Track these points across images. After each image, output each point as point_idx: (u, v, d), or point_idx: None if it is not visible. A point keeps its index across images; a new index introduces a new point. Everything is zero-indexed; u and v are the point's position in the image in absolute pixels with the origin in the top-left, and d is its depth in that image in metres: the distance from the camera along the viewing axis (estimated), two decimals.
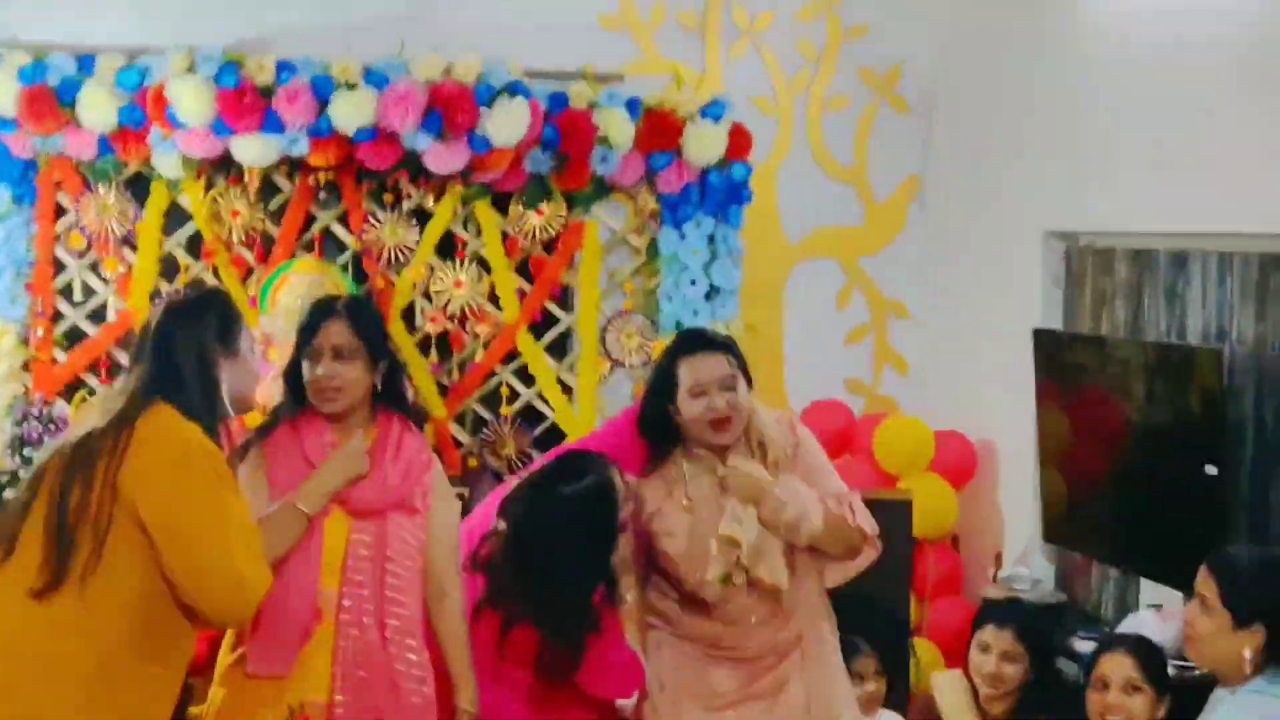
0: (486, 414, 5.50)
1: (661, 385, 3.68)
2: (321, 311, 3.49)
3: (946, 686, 4.44)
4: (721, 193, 5.52)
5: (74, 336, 5.34)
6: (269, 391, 4.13)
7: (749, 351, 5.39)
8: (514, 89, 5.20)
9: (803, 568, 3.68)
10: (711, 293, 5.55)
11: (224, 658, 3.39)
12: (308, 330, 3.44)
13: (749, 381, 3.69)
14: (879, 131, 5.97)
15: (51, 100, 5.04)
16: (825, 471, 3.76)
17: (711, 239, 5.55)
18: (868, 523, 3.64)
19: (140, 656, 2.94)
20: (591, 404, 5.48)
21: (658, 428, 3.70)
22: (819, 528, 3.58)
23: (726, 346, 3.71)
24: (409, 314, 5.45)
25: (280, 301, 5.01)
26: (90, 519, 2.90)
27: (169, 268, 5.35)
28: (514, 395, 5.53)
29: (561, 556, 3.47)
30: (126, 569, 2.91)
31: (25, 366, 5.26)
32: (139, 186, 5.30)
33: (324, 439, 3.42)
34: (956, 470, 5.57)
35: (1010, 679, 4.25)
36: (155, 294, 5.26)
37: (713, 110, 5.47)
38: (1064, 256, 5.22)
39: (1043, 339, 5.05)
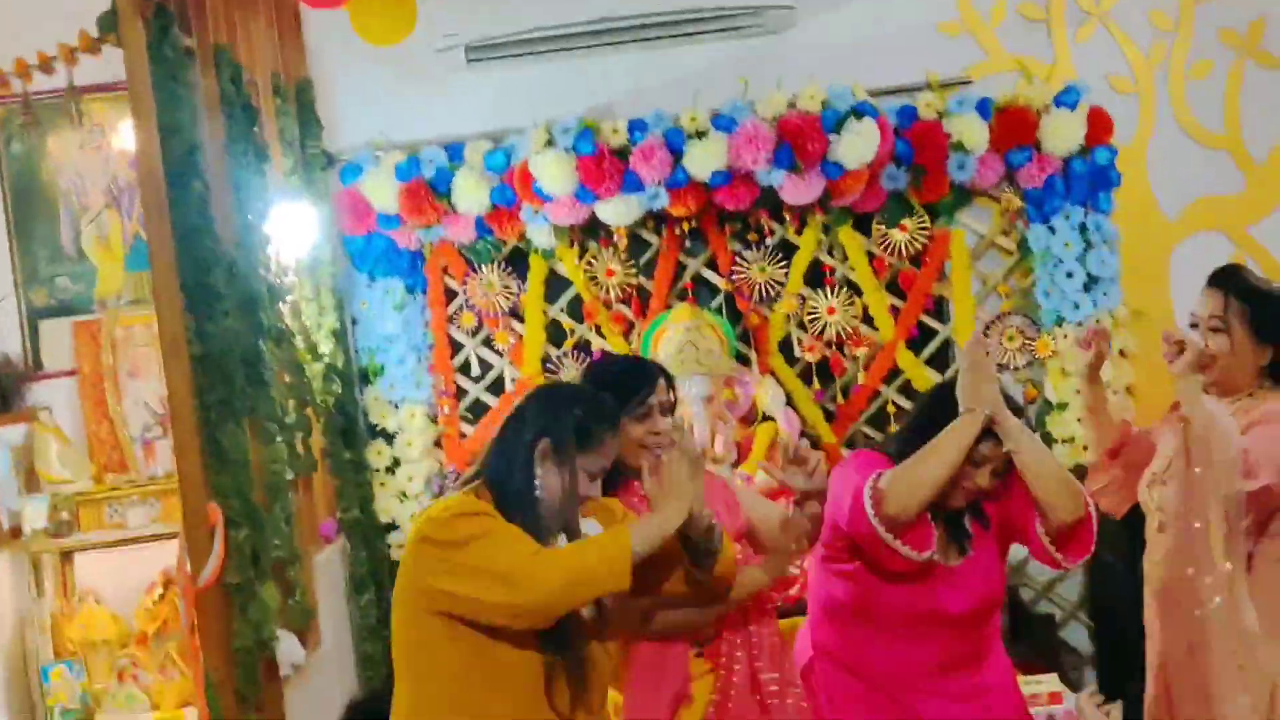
0: (875, 434, 5.50)
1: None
2: (653, 372, 3.58)
3: None
4: (1087, 180, 5.40)
5: (477, 409, 5.64)
6: None
7: (1139, 338, 5.29)
8: (860, 110, 5.21)
9: None
10: (1090, 283, 5.41)
11: None
12: (645, 391, 3.50)
13: (1264, 330, 3.73)
14: (1248, 91, 5.68)
15: (428, 192, 5.37)
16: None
17: (1083, 228, 5.41)
18: None
19: None
20: None
21: None
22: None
23: (1229, 285, 3.77)
24: (786, 345, 5.52)
25: (661, 351, 5.15)
26: None
27: (555, 333, 5.59)
28: (901, 412, 5.50)
29: None
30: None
31: (436, 443, 5.58)
32: (518, 260, 5.57)
33: None
34: None
35: None
36: (546, 360, 5.52)
37: (1067, 98, 5.36)
38: None
39: None
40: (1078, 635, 5.60)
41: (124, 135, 4.81)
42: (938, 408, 3.46)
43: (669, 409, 3.54)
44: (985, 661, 3.55)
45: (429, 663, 2.94)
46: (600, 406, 3.11)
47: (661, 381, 3.56)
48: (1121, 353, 5.44)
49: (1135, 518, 4.26)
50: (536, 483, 2.99)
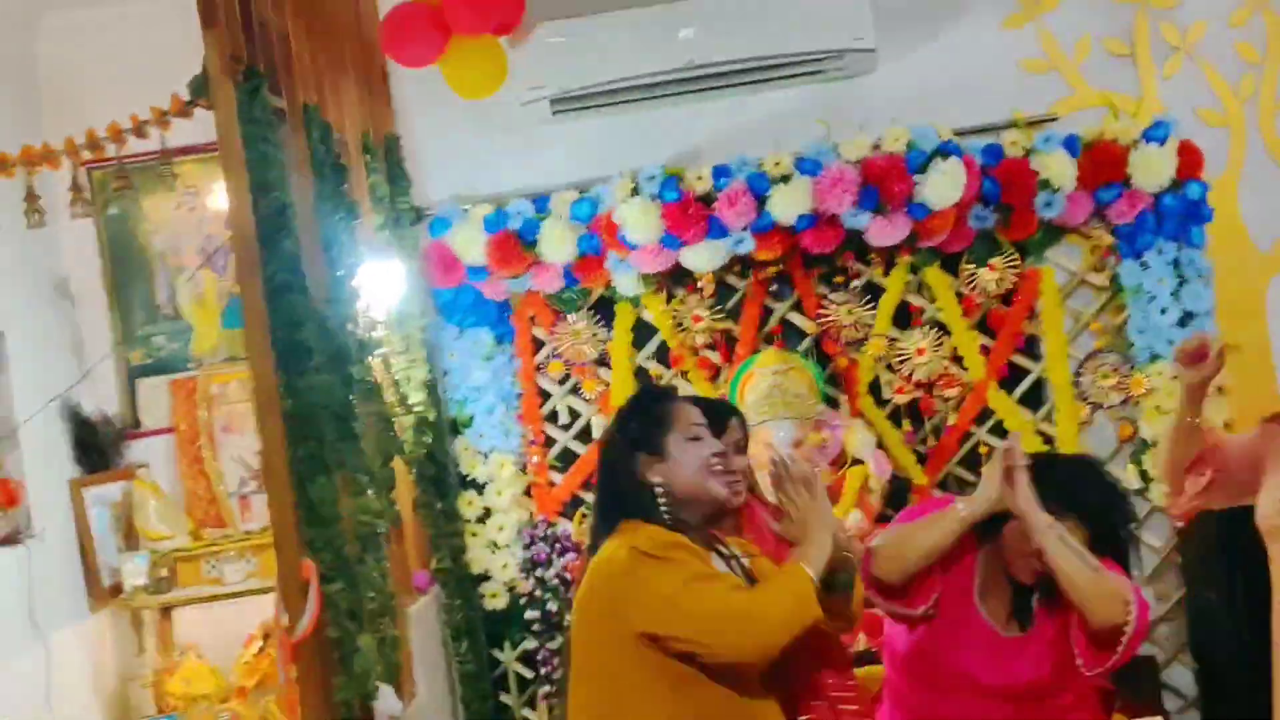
0: (968, 476, 5.44)
1: None
2: (726, 411, 3.72)
3: None
4: (1179, 215, 5.33)
5: (566, 458, 5.65)
6: None
7: (1235, 371, 5.21)
8: (945, 150, 5.19)
9: None
10: (1185, 318, 5.33)
11: None
12: (717, 429, 3.41)
13: None
14: None
15: (516, 244, 5.40)
16: None
17: (1176, 263, 5.35)
18: None
19: None
20: (1074, 450, 5.32)
21: None
22: None
23: None
24: (875, 387, 5.49)
25: (748, 396, 5.14)
26: None
27: (643, 380, 5.58)
28: (993, 454, 5.44)
29: None
30: None
31: (526, 492, 5.61)
32: (605, 309, 5.59)
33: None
34: None
35: None
36: None
37: (1155, 133, 5.30)
38: None
39: None
40: (1182, 677, 5.50)
41: (217, 195, 4.90)
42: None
43: (742, 447, 3.66)
44: None
45: (640, 699, 2.93)
46: (653, 390, 3.20)
47: (733, 420, 3.63)
48: (1220, 389, 5.36)
49: (1231, 556, 4.20)
50: (662, 501, 3.00)
